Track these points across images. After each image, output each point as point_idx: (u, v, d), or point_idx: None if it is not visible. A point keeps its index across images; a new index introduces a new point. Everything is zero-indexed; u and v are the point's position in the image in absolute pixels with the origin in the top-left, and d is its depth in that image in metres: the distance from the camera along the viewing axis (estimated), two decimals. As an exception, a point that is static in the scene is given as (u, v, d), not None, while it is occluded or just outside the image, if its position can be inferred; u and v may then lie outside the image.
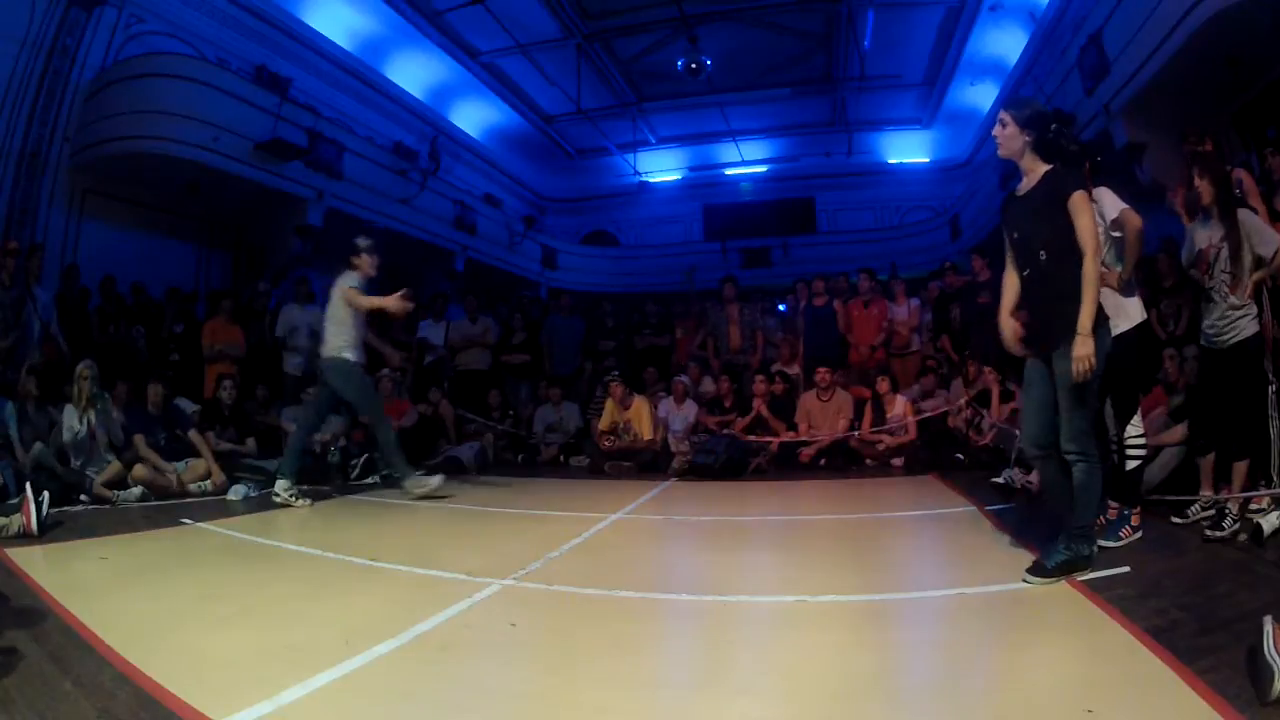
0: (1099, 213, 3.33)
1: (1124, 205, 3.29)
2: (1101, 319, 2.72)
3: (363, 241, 5.46)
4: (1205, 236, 3.47)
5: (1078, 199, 2.73)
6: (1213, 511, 3.36)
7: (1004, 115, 2.88)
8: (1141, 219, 3.26)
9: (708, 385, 8.31)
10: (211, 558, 3.51)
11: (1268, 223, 3.49)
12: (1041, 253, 2.81)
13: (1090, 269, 2.66)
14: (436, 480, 5.25)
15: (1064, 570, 2.63)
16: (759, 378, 7.87)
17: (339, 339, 5.23)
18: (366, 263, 5.40)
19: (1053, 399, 2.79)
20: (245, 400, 6.75)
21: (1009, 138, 2.87)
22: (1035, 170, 2.86)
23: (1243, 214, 3.37)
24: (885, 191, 15.84)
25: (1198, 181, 3.45)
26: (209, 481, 5.50)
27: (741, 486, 6.01)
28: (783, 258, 14.60)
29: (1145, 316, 3.41)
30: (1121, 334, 3.31)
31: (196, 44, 8.96)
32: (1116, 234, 3.33)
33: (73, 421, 5.33)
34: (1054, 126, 2.87)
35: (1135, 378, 3.53)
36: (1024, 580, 2.63)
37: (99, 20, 8.03)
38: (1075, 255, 2.69)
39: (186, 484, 5.41)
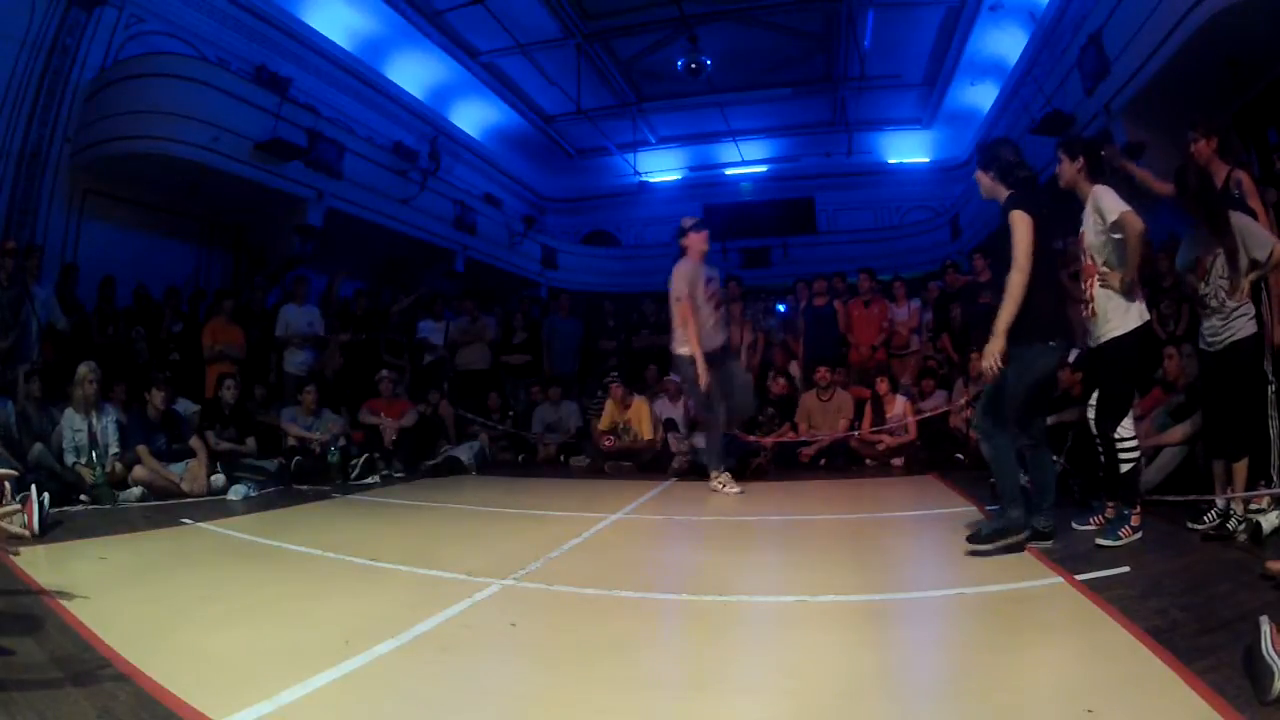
0: (1098, 212, 3.32)
1: (1125, 207, 3.23)
2: (1040, 337, 3.08)
3: (687, 221, 5.33)
4: (1202, 242, 3.47)
5: (1012, 217, 3.10)
6: (1223, 518, 3.36)
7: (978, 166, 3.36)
8: (1143, 222, 3.22)
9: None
10: (211, 558, 3.52)
11: (1268, 224, 3.48)
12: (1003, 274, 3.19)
13: (1014, 281, 3.05)
14: (734, 489, 5.20)
15: (997, 535, 2.97)
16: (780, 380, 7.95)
17: (678, 332, 5.24)
18: (695, 240, 5.23)
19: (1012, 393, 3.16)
20: (245, 400, 6.75)
21: (980, 182, 3.32)
22: (1001, 198, 3.24)
23: (1235, 217, 3.35)
24: (885, 191, 15.83)
25: (1188, 207, 3.48)
26: (198, 483, 5.48)
27: (741, 487, 6.00)
28: (783, 258, 14.59)
29: (1146, 319, 3.39)
30: (1120, 336, 3.32)
31: (196, 44, 8.94)
32: (1117, 235, 3.26)
33: (74, 423, 5.33)
34: (1009, 158, 3.23)
35: (1132, 380, 3.54)
36: (967, 549, 3.00)
37: (99, 20, 8.01)
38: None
39: (190, 484, 5.42)
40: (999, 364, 3.06)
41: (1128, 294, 3.29)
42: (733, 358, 5.18)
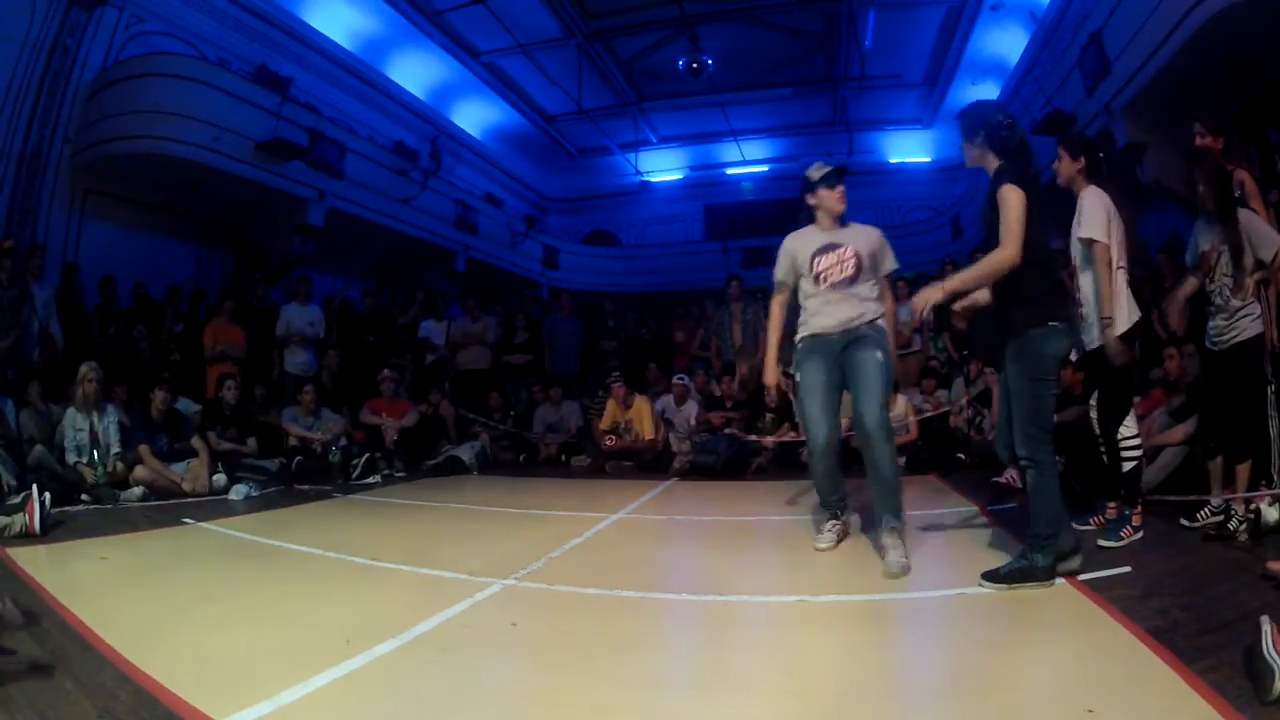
0: (1079, 212, 3.31)
1: (1104, 238, 3.26)
2: (1037, 322, 2.65)
3: (815, 171, 3.73)
4: (1209, 238, 3.46)
5: (1004, 191, 2.67)
6: (1221, 516, 3.36)
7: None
8: (1110, 256, 3.27)
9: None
10: (212, 557, 3.52)
11: (1269, 223, 3.47)
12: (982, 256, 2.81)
13: (997, 256, 2.62)
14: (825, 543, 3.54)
15: (1017, 579, 2.58)
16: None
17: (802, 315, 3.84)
18: (827, 199, 3.66)
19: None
20: (245, 400, 6.75)
21: (965, 153, 2.93)
22: (991, 168, 2.85)
23: (1243, 215, 3.34)
24: (886, 191, 15.79)
25: (1201, 187, 3.43)
26: (199, 483, 5.48)
27: (742, 486, 6.01)
28: (784, 257, 14.60)
29: (1138, 316, 3.40)
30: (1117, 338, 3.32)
31: (197, 44, 8.94)
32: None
33: (76, 423, 5.34)
34: (997, 120, 2.82)
35: (1128, 380, 3.54)
36: (979, 584, 2.61)
37: (100, 20, 8.01)
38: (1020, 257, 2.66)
39: (192, 484, 5.42)
40: (927, 307, 2.76)
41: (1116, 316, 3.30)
42: (868, 345, 3.43)
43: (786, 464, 6.99)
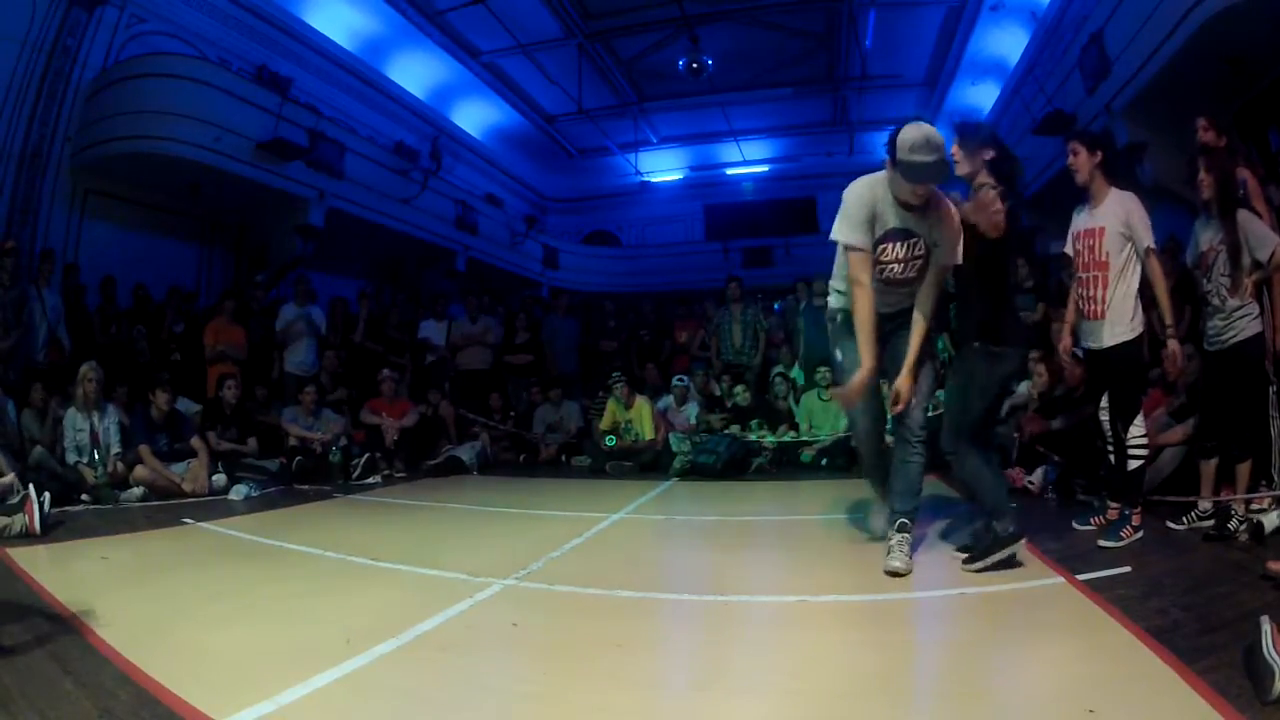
0: (1128, 225, 3.33)
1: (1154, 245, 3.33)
2: (974, 338, 2.92)
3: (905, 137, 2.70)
4: (1207, 238, 3.46)
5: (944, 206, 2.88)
6: (1211, 519, 3.36)
7: (956, 140, 2.99)
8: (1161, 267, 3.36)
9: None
10: (212, 557, 3.52)
11: (1271, 223, 3.47)
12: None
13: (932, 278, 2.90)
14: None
15: (992, 550, 2.78)
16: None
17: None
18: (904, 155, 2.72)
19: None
20: (245, 400, 6.75)
21: (968, 159, 2.94)
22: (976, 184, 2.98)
23: (1242, 215, 3.35)
24: (886, 192, 15.82)
25: (1202, 175, 3.43)
26: (199, 483, 5.48)
27: (742, 486, 6.01)
28: (784, 257, 14.60)
29: (1144, 328, 3.42)
30: (1128, 342, 3.33)
31: (197, 44, 8.95)
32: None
33: (76, 423, 5.34)
34: (1012, 156, 2.97)
35: (1138, 381, 3.54)
36: (962, 569, 2.81)
37: (100, 20, 8.02)
38: (965, 266, 2.90)
39: (192, 484, 5.42)
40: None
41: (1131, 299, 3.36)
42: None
43: (786, 464, 7.00)
